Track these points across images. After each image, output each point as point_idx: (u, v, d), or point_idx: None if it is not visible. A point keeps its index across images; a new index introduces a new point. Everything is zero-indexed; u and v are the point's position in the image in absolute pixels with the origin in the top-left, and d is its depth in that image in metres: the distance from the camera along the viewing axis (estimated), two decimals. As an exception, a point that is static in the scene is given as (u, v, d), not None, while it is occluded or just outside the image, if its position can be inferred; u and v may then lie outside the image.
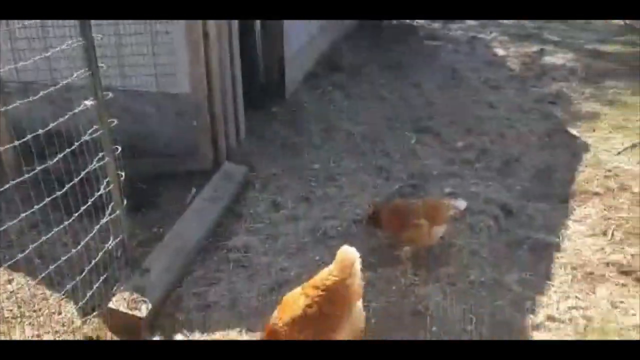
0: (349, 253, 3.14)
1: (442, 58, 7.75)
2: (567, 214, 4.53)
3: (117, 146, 3.56)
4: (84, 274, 3.43)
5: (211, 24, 4.75)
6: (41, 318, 3.55)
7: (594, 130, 5.82)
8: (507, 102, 6.45)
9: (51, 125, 3.18)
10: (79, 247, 3.41)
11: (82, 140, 3.40)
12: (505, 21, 9.34)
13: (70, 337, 3.40)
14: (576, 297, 3.72)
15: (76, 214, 3.38)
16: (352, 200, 4.76)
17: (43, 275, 3.22)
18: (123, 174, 3.63)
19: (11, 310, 3.58)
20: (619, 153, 5.38)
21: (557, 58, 7.69)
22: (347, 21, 8.26)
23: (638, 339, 3.40)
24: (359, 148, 5.56)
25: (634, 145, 5.47)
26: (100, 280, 3.55)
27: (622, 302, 3.68)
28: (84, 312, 3.52)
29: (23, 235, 3.75)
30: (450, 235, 4.24)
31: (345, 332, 3.21)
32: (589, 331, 3.46)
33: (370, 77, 7.07)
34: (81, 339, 3.37)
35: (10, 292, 3.71)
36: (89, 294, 3.47)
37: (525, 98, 6.56)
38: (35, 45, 4.72)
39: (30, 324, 3.51)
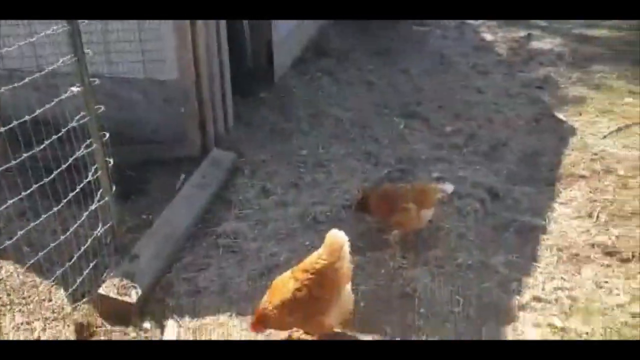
0: (337, 237, 3.17)
1: (431, 44, 7.74)
2: (554, 197, 4.59)
3: (105, 132, 3.55)
4: (73, 260, 3.44)
5: (198, 9, 4.71)
6: (31, 305, 3.55)
7: (580, 114, 5.87)
8: (495, 87, 6.47)
9: (38, 111, 3.17)
10: (67, 233, 3.41)
11: (69, 127, 3.39)
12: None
13: (60, 324, 3.41)
14: (561, 278, 3.79)
15: (64, 201, 3.37)
16: (341, 185, 4.78)
17: (32, 261, 3.23)
18: (111, 160, 3.63)
19: (0, 298, 3.59)
20: (604, 137, 5.43)
21: (545, 43, 7.71)
22: (335, 7, 8.22)
23: (621, 317, 3.47)
24: (348, 134, 5.57)
25: (619, 129, 5.53)
26: (90, 267, 3.56)
27: (606, 282, 3.75)
28: (74, 299, 3.53)
29: (11, 223, 3.74)
30: (438, 219, 4.28)
31: (335, 315, 3.25)
32: (573, 311, 3.53)
33: (358, 62, 7.06)
34: (71, 325, 3.38)
35: (0, 279, 3.71)
36: (78, 281, 3.48)
37: (513, 83, 6.59)
38: (19, 31, 4.67)
39: (20, 311, 3.51)
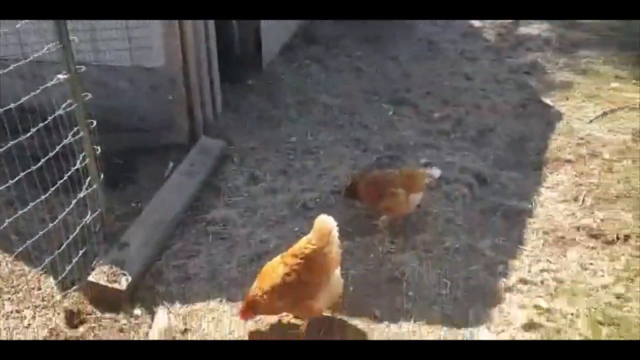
0: (326, 222, 3.20)
1: (419, 30, 7.73)
2: (540, 181, 4.64)
3: (92, 120, 3.53)
4: (62, 248, 3.44)
5: (184, -4, 4.68)
6: (20, 294, 3.56)
7: (567, 99, 5.91)
8: (483, 73, 6.49)
9: (23, 99, 3.15)
10: (56, 222, 3.41)
11: (55, 115, 3.37)
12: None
13: (50, 312, 3.42)
14: (547, 260, 3.84)
15: (52, 189, 3.36)
16: (330, 172, 4.80)
17: (20, 250, 3.22)
18: (99, 148, 3.62)
19: (-11, 287, 3.59)
20: (591, 121, 5.48)
21: (532, 29, 7.72)
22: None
23: (605, 298, 3.53)
24: (337, 120, 5.58)
25: (605, 113, 5.58)
26: (79, 254, 3.57)
27: (591, 264, 3.81)
28: (64, 287, 3.53)
29: (-1, 211, 3.73)
30: (426, 204, 4.32)
31: (324, 299, 3.28)
32: (559, 292, 3.59)
33: (347, 49, 7.04)
34: (61, 313, 3.39)
35: (-12, 268, 3.71)
36: (67, 269, 3.48)
37: (501, 69, 6.61)
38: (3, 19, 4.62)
39: (9, 299, 3.52)
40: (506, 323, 3.40)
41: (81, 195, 3.59)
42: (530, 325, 3.35)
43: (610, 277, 3.70)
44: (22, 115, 3.27)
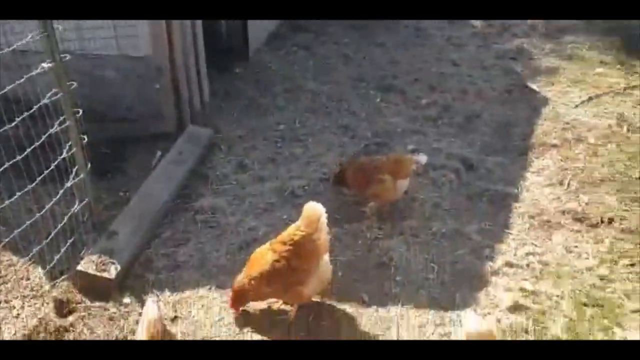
0: (315, 208, 3.22)
1: (406, 17, 7.74)
2: (526, 166, 4.68)
3: (78, 109, 3.52)
4: (50, 238, 3.43)
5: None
6: (9, 284, 3.56)
7: (553, 85, 5.95)
8: (470, 59, 6.51)
9: (7, 88, 3.13)
10: (43, 211, 3.40)
11: (41, 104, 3.35)
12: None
13: (39, 301, 3.43)
14: (533, 243, 3.90)
15: (39, 179, 3.35)
16: (318, 159, 4.82)
17: (7, 240, 3.22)
18: (86, 137, 3.61)
19: (-23, 278, 3.58)
20: (576, 106, 5.53)
21: (519, 14, 7.76)
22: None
23: (589, 280, 3.59)
24: (324, 108, 5.58)
25: (590, 98, 5.63)
26: (67, 244, 3.57)
27: (576, 246, 3.87)
28: (52, 276, 3.54)
29: (-15, 202, 3.71)
30: (413, 190, 4.35)
31: (313, 285, 3.32)
32: (544, 275, 3.64)
33: (334, 36, 7.03)
34: (51, 302, 3.39)
35: (-25, 259, 3.70)
36: (56, 258, 3.49)
37: (487, 54, 6.63)
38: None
39: (-2, 290, 3.52)
40: (492, 305, 3.45)
41: (68, 184, 3.59)
42: (515, 307, 3.41)
43: (594, 259, 3.76)
44: (6, 105, 3.25)
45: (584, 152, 4.82)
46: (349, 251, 3.88)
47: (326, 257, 3.36)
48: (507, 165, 4.70)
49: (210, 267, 3.76)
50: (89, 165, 3.70)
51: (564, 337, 3.23)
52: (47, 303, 3.40)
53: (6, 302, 3.43)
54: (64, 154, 3.53)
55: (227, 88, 5.77)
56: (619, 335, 3.25)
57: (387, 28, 7.32)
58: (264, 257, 3.30)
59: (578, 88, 5.86)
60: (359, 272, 3.73)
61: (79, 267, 3.52)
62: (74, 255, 3.63)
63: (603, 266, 3.71)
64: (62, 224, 3.53)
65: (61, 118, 3.46)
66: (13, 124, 3.18)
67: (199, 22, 5.10)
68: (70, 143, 3.55)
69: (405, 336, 3.29)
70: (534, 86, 5.92)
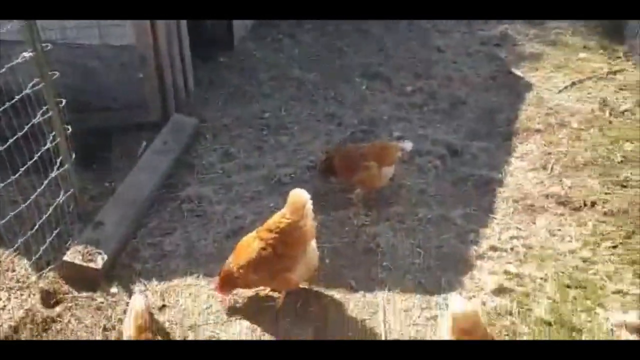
0: (300, 195, 3.23)
1: (391, 3, 7.72)
2: (510, 151, 4.73)
3: (61, 99, 3.49)
4: (35, 229, 3.41)
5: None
6: (-6, 276, 3.54)
7: (536, 70, 5.99)
8: (455, 46, 6.52)
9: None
10: (27, 202, 3.38)
11: (23, 94, 3.32)
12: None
13: (25, 293, 3.41)
14: (517, 227, 3.95)
15: (22, 169, 3.32)
16: (304, 147, 4.82)
17: (-8, 231, 3.20)
18: (69, 127, 3.58)
19: (-38, 270, 3.56)
20: (559, 91, 5.57)
21: (503, 1, 7.77)
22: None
23: (572, 262, 3.65)
24: (310, 96, 5.57)
25: (573, 83, 5.68)
26: (53, 235, 3.55)
27: (559, 230, 3.93)
28: (38, 267, 3.53)
29: (-32, 194, 3.68)
30: (399, 177, 4.38)
31: (300, 272, 3.34)
32: (528, 258, 3.70)
33: (319, 24, 7.00)
34: (37, 293, 3.38)
35: (-40, 252, 3.67)
36: (42, 249, 3.48)
37: (472, 41, 6.64)
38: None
39: (-17, 282, 3.50)
40: (477, 289, 3.50)
41: (53, 175, 3.56)
42: (500, 290, 3.46)
43: (577, 242, 3.82)
44: (-13, 97, 3.22)
45: (567, 136, 4.87)
46: (336, 238, 3.90)
47: (313, 243, 3.38)
48: (492, 150, 4.74)
49: (198, 256, 3.77)
50: (74, 156, 3.68)
51: (548, 318, 3.28)
52: (34, 294, 3.39)
53: (-9, 294, 3.42)
54: (48, 145, 3.50)
55: (212, 77, 5.74)
56: (601, 315, 3.31)
57: (372, 15, 7.30)
58: (250, 245, 3.31)
59: (561, 73, 5.91)
60: (346, 258, 3.76)
61: (66, 258, 3.51)
62: (59, 246, 3.62)
63: (586, 248, 3.77)
64: (47, 215, 3.52)
65: (44, 108, 3.43)
66: (-5, 114, 3.15)
67: (182, 11, 5.05)
68: (53, 133, 3.53)
69: (392, 320, 3.32)
70: (518, 72, 5.95)
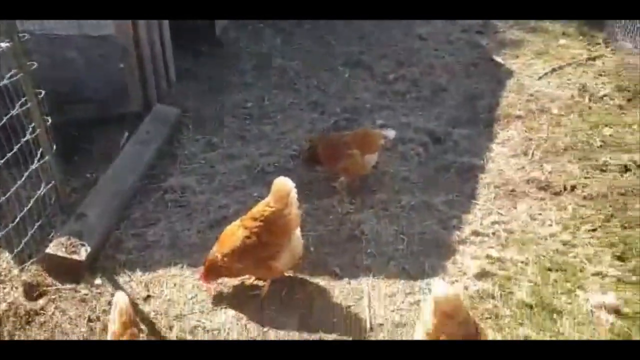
0: (284, 183, 3.24)
1: (373, -8, 7.71)
2: (492, 138, 4.78)
3: (40, 90, 3.45)
4: (16, 221, 3.38)
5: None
6: (-24, 270, 3.50)
7: (517, 57, 6.04)
8: (436, 34, 6.55)
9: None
10: (8, 194, 3.35)
11: (0, 85, 3.27)
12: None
13: (8, 286, 3.39)
14: (498, 212, 4.00)
15: (2, 161, 3.28)
16: (288, 136, 4.82)
17: (-28, 224, 3.17)
18: (49, 119, 3.54)
19: (-57, 264, 3.52)
20: (540, 78, 5.63)
21: (484, -12, 7.80)
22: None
23: (553, 245, 3.71)
24: (293, 84, 5.57)
25: (553, 70, 5.74)
26: (35, 227, 3.52)
27: (540, 214, 3.98)
28: (21, 260, 3.50)
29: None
30: (383, 165, 4.41)
31: (285, 260, 3.35)
32: (509, 242, 3.75)
33: (301, 13, 6.99)
34: (20, 286, 3.36)
35: (-60, 246, 3.63)
36: (24, 242, 3.45)
37: (454, 29, 6.67)
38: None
39: (-36, 276, 3.46)
40: (460, 273, 3.54)
41: (33, 167, 3.53)
42: (482, 274, 3.51)
43: (557, 225, 3.88)
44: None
45: (547, 122, 4.93)
46: (320, 226, 3.92)
47: (297, 232, 3.39)
48: (473, 137, 4.78)
49: (182, 246, 3.76)
50: (54, 147, 3.64)
51: (529, 300, 3.34)
52: (16, 287, 3.37)
53: (-27, 288, 3.39)
54: (28, 136, 3.46)
55: (193, 67, 5.71)
56: (581, 297, 3.38)
57: (354, 3, 7.28)
58: (234, 233, 3.32)
59: (542, 60, 5.97)
60: (331, 245, 3.78)
61: (48, 250, 3.49)
62: (42, 238, 3.59)
63: (566, 232, 3.83)
64: (28, 208, 3.49)
65: (22, 99, 3.39)
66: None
67: (162, 0, 5.00)
68: (33, 125, 3.49)
69: (376, 306, 3.36)
70: (499, 59, 6.00)
